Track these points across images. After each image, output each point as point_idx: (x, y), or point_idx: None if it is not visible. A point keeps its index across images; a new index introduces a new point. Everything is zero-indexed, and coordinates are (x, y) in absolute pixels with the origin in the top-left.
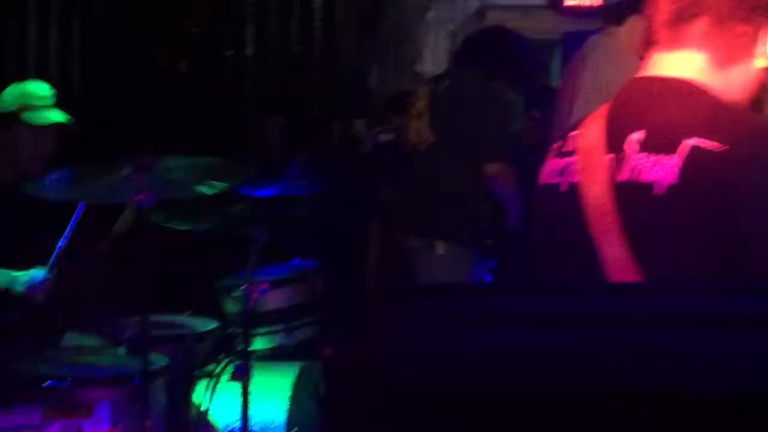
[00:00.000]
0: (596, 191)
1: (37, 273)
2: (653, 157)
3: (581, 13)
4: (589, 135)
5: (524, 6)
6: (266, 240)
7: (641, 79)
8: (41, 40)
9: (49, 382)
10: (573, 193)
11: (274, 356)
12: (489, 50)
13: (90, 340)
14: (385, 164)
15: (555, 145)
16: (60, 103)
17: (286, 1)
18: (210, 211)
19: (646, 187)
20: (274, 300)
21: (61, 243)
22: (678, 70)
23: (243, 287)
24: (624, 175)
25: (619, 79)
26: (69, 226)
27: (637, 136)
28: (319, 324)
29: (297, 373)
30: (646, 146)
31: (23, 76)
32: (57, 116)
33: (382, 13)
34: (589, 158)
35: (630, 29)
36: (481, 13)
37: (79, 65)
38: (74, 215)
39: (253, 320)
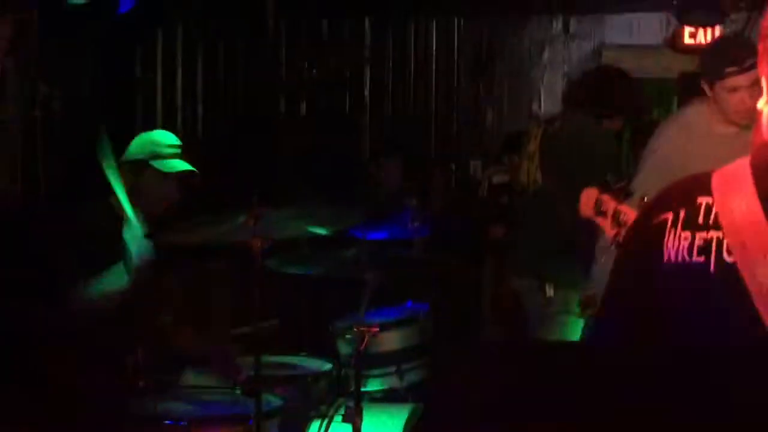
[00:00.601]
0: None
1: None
2: None
3: (698, 51)
4: (737, 205)
5: (640, 45)
6: (379, 282)
7: None
8: (167, 88)
9: (167, 421)
10: (728, 273)
11: (386, 398)
12: (603, 90)
13: (206, 379)
14: (500, 206)
15: (668, 216)
16: (185, 147)
17: (402, 42)
18: (323, 256)
19: None
20: (385, 342)
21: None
22: None
23: (355, 330)
24: None
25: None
26: None
27: None
28: (429, 367)
29: (408, 416)
30: None
31: (151, 124)
32: (183, 165)
33: (497, 54)
34: (746, 233)
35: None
36: (596, 53)
37: (203, 110)
38: None
39: (365, 362)
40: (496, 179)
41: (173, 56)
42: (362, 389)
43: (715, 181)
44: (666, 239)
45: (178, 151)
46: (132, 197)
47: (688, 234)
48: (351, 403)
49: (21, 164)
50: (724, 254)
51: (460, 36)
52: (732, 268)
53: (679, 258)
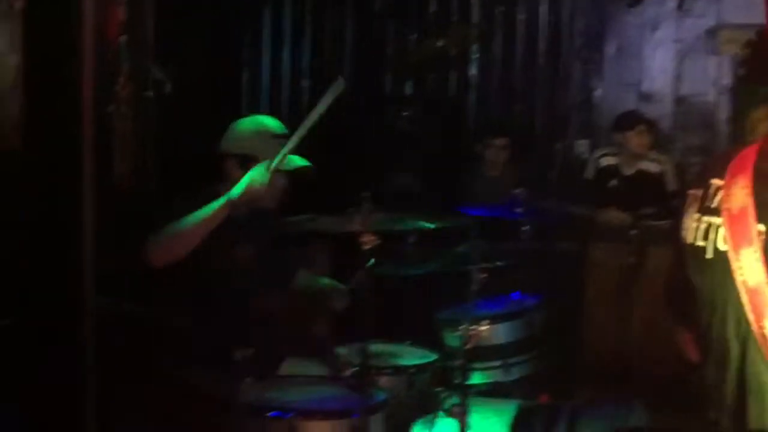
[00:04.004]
0: (750, 270)
1: (257, 171)
2: None
3: None
4: (735, 195)
5: (758, 25)
6: (486, 274)
7: None
8: (273, 66)
9: (272, 412)
10: (723, 261)
11: (492, 392)
12: None
13: (310, 368)
14: (608, 190)
15: (696, 192)
16: (291, 129)
17: (510, 20)
18: (432, 252)
19: None
20: (492, 335)
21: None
22: None
23: (463, 325)
24: None
25: None
26: None
27: None
28: (538, 361)
29: (514, 413)
30: None
31: (256, 104)
32: (298, 161)
33: (606, 31)
34: (737, 226)
35: None
36: (712, 32)
37: (309, 91)
38: None
39: (471, 355)
40: (605, 162)
41: (280, 35)
42: (468, 381)
43: (732, 162)
44: (684, 218)
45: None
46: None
47: (698, 216)
48: (457, 398)
49: (132, 146)
50: (720, 242)
51: (569, 12)
52: (725, 256)
53: (692, 241)
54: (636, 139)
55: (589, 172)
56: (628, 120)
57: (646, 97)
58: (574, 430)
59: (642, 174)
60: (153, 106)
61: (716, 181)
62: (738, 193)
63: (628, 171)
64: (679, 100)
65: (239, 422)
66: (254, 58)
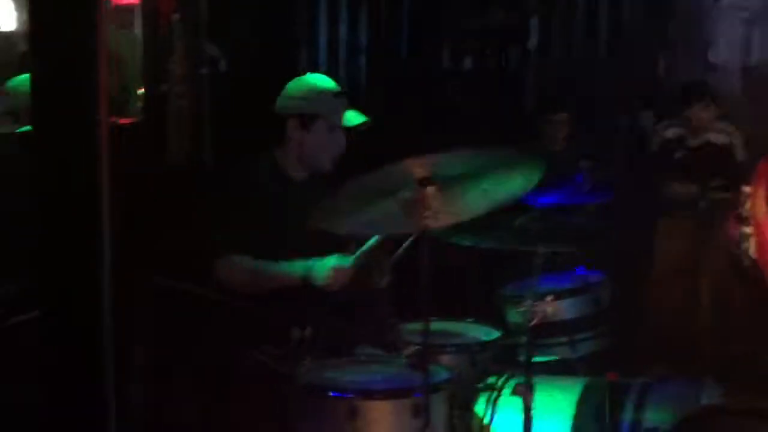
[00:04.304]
0: None
1: (342, 260)
2: None
3: None
4: (757, 203)
5: None
6: (550, 250)
7: None
8: (331, 33)
9: (333, 392)
10: (755, 269)
11: (557, 370)
12: None
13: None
14: (674, 162)
15: (735, 199)
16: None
17: None
18: (493, 226)
19: None
20: (557, 311)
21: (374, 239)
22: None
23: (527, 302)
24: None
25: None
26: None
27: None
28: (604, 338)
29: (581, 391)
30: None
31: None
32: (358, 117)
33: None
34: (762, 235)
35: None
36: None
37: (366, 61)
38: None
39: (535, 332)
40: (670, 133)
41: (338, 7)
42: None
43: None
44: (730, 223)
45: (346, 100)
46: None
47: (735, 221)
48: (521, 376)
49: (189, 123)
50: (751, 251)
51: None
52: (756, 264)
53: (734, 248)
54: (703, 110)
55: (654, 144)
56: (694, 90)
57: (712, 67)
58: (643, 408)
59: (709, 145)
60: (208, 84)
61: (746, 188)
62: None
63: (695, 142)
64: (747, 70)
65: (299, 403)
66: (311, 35)
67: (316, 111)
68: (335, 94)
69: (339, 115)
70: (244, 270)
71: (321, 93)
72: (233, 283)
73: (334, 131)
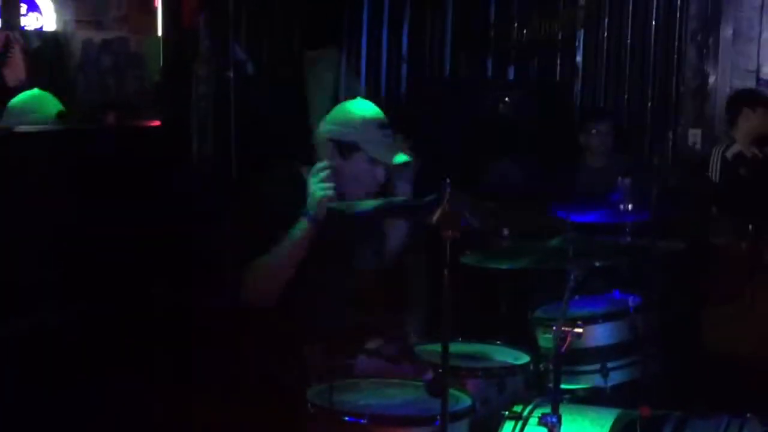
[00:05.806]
0: None
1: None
2: None
3: None
4: None
5: None
6: (585, 273)
7: None
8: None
9: (346, 417)
10: None
11: (588, 399)
12: None
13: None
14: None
15: None
16: (388, 112)
17: (619, 2)
18: (525, 246)
19: None
20: (590, 337)
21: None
22: None
23: (558, 327)
24: None
25: None
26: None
27: None
28: (639, 366)
29: (612, 423)
30: None
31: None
32: (402, 158)
33: (722, 14)
34: None
35: None
36: None
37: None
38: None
39: (566, 358)
40: (731, 152)
41: (380, 17)
42: (561, 386)
43: None
44: None
45: (392, 136)
46: (333, 177)
47: None
48: (549, 407)
49: (213, 126)
50: None
51: None
52: None
53: None
54: (761, 119)
55: (714, 168)
56: (748, 98)
57: (765, 84)
58: None
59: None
60: (233, 86)
61: None
62: None
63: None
64: None
65: (311, 426)
66: (352, 42)
67: (358, 141)
68: (380, 126)
69: (381, 149)
70: (259, 266)
71: (367, 124)
72: (258, 289)
73: (374, 164)
